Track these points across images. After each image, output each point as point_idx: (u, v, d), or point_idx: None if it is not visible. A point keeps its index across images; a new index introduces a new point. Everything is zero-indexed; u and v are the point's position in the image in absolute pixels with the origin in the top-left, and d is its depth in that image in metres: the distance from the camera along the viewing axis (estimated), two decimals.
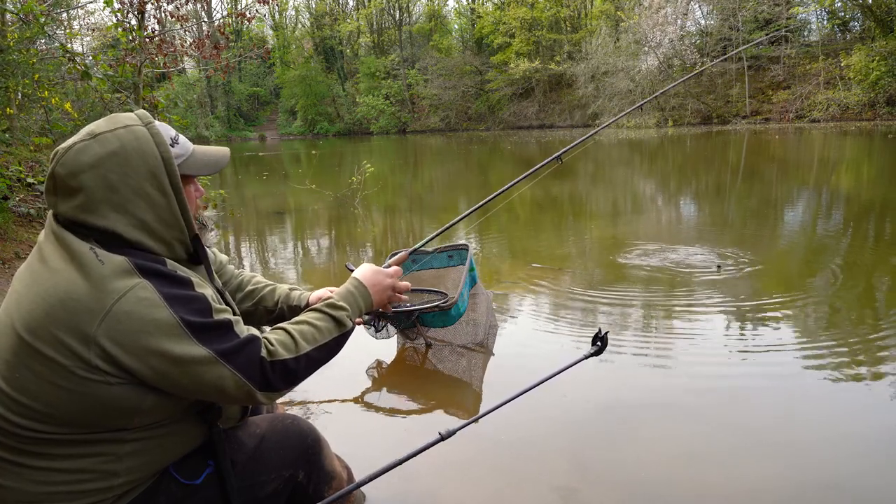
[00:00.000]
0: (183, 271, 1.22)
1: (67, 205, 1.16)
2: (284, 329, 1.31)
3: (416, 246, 2.35)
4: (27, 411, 1.13)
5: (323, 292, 1.69)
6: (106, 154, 1.15)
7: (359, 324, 1.56)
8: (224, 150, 1.38)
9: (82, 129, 1.21)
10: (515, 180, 2.41)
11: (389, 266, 1.65)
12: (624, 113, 3.03)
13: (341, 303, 1.41)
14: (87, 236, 1.16)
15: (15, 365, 1.13)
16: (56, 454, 1.16)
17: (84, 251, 1.13)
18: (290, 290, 1.71)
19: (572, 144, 2.56)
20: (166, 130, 1.24)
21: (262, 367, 1.22)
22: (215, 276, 1.41)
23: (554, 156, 2.47)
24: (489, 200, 2.39)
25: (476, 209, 2.39)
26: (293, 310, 1.67)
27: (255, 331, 1.26)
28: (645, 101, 3.12)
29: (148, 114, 1.25)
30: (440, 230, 2.37)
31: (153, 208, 1.19)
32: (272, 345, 1.26)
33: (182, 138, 1.29)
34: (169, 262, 1.21)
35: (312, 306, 1.41)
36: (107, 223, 1.15)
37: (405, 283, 1.58)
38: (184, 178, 1.26)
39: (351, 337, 1.62)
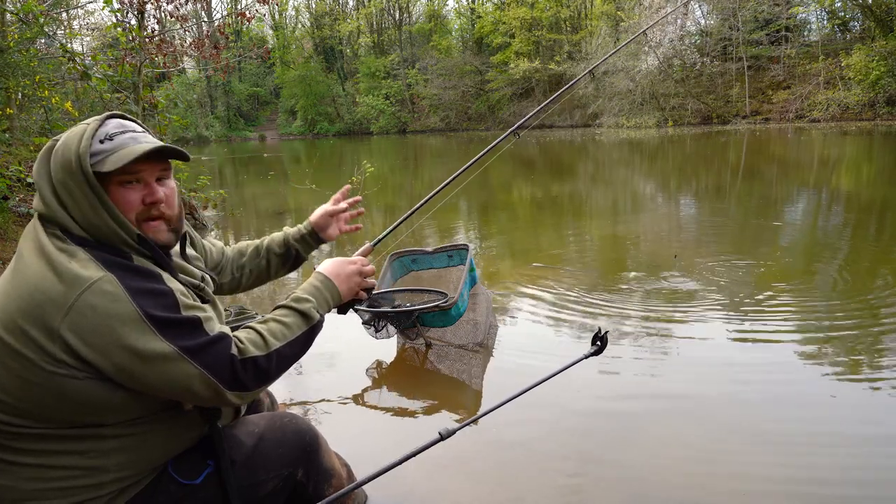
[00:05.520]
0: (150, 266, 1.22)
1: (35, 201, 1.22)
2: (252, 328, 1.30)
3: (378, 238, 2.27)
4: (6, 406, 1.13)
5: (321, 212, 1.79)
6: (45, 152, 1.21)
7: (349, 311, 1.58)
8: (139, 147, 1.20)
9: None
10: (473, 159, 2.48)
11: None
12: (579, 77, 3.05)
13: (305, 295, 1.41)
14: (56, 231, 1.18)
15: None
16: (41, 450, 1.16)
17: (51, 246, 1.15)
18: (284, 230, 1.80)
19: (527, 117, 2.70)
20: (108, 129, 1.21)
21: (232, 365, 1.20)
22: (192, 269, 1.39)
23: (511, 129, 2.58)
24: (445, 185, 2.37)
25: (433, 196, 2.36)
26: (301, 240, 1.77)
27: (226, 329, 1.24)
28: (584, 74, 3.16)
29: (116, 112, 1.25)
30: (400, 220, 2.30)
31: (79, 207, 1.17)
32: (242, 343, 1.24)
33: (125, 137, 1.21)
34: (136, 257, 1.21)
35: (278, 304, 1.40)
36: (57, 218, 1.18)
37: (371, 267, 1.58)
38: (114, 178, 1.18)
39: (351, 337, 1.62)
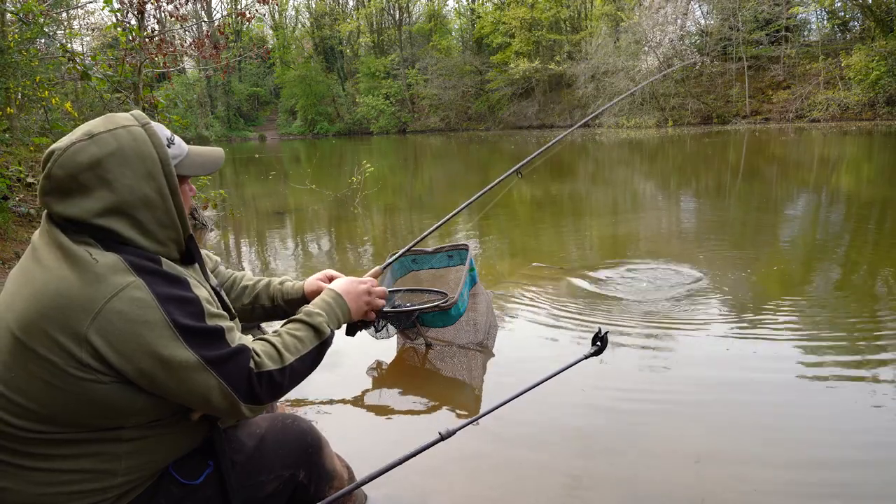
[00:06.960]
0: (178, 271, 1.22)
1: (65, 205, 1.15)
2: (268, 340, 1.30)
3: (392, 259, 2.30)
4: (24, 412, 1.12)
5: (315, 280, 1.67)
6: (103, 155, 1.14)
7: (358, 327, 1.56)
8: (218, 151, 1.38)
9: (77, 128, 1.20)
10: (474, 197, 2.40)
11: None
12: (589, 117, 3.00)
13: (317, 310, 1.42)
14: (83, 234, 1.15)
15: (11, 365, 1.12)
16: (55, 455, 1.16)
17: (78, 250, 1.13)
18: (282, 282, 1.70)
19: (530, 157, 2.53)
20: (162, 131, 1.24)
21: (249, 378, 1.21)
22: (210, 274, 1.40)
23: (512, 169, 2.46)
24: (450, 218, 2.36)
25: (436, 228, 2.36)
26: (291, 303, 1.66)
27: (246, 340, 1.25)
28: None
29: (143, 114, 1.25)
30: (411, 244, 2.33)
31: (150, 209, 1.19)
32: (258, 356, 1.25)
33: (177, 139, 1.28)
34: (164, 261, 1.21)
35: (290, 318, 1.41)
36: (104, 223, 1.15)
37: (381, 289, 1.60)
38: (179, 179, 1.25)
39: (351, 337, 1.62)
